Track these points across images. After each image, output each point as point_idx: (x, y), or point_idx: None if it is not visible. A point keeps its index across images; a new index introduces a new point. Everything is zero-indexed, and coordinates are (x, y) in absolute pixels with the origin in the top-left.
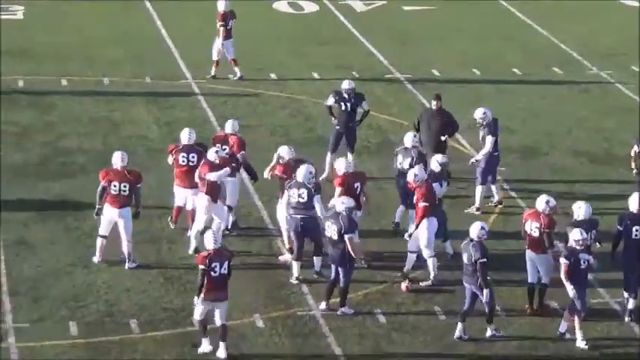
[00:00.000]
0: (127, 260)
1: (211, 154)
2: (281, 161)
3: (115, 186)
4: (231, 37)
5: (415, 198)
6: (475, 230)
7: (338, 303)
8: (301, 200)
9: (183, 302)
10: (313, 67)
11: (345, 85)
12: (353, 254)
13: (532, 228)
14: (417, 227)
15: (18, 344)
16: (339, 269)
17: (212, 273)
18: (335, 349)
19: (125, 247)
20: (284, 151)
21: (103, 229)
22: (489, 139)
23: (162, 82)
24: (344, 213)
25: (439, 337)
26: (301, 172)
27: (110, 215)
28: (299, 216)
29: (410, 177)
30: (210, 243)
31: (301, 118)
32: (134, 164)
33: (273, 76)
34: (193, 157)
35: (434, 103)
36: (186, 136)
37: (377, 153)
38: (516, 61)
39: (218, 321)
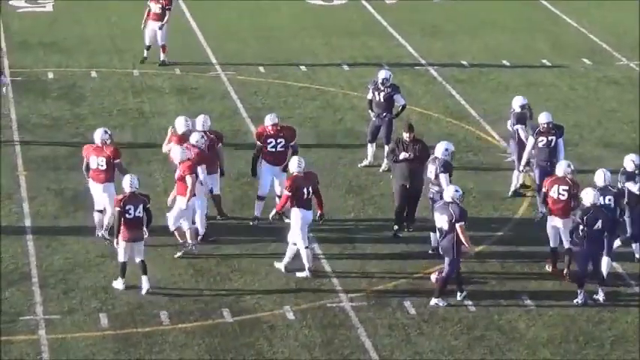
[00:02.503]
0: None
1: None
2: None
3: (92, 161)
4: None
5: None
6: (450, 192)
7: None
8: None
9: (213, 294)
10: (343, 59)
11: (380, 75)
12: (465, 243)
13: (560, 192)
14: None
15: (48, 336)
16: (446, 259)
17: (127, 215)
18: (365, 341)
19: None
20: (179, 123)
21: (98, 204)
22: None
23: (191, 74)
24: (455, 201)
25: (469, 329)
26: None
27: (95, 190)
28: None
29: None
30: (126, 186)
31: (330, 110)
32: (164, 155)
33: (302, 67)
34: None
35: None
36: (200, 122)
37: None
38: (546, 52)
39: (137, 258)
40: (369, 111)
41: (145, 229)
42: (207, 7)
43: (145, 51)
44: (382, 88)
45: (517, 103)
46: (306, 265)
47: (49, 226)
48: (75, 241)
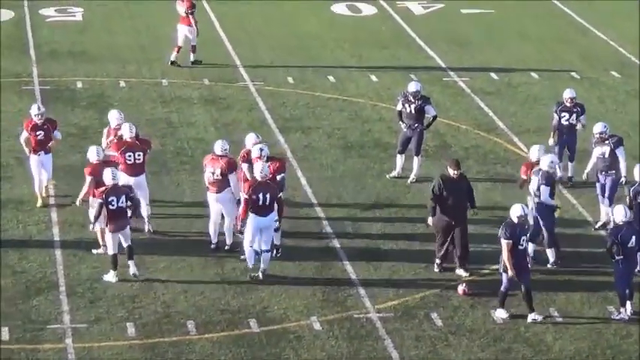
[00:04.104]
0: (147, 223)
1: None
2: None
3: (129, 156)
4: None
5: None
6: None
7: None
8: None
9: (240, 304)
10: (371, 70)
11: (411, 87)
12: (506, 261)
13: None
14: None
15: (75, 345)
16: (523, 276)
17: (110, 206)
18: (392, 352)
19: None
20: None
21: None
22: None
23: (220, 84)
24: (517, 221)
25: (495, 341)
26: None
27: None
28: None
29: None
30: (108, 179)
31: (359, 121)
32: (192, 165)
33: (331, 78)
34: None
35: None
36: (219, 146)
37: (434, 155)
38: (574, 64)
39: (124, 243)
40: (399, 122)
41: (129, 215)
42: (236, 17)
43: (175, 53)
44: (413, 100)
45: (597, 129)
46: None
47: (76, 235)
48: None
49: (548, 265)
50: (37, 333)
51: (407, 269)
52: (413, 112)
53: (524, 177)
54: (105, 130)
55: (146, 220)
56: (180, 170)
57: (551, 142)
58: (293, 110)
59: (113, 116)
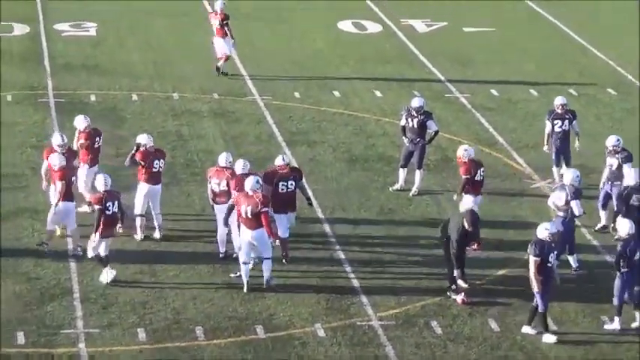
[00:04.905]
0: (158, 229)
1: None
2: (141, 148)
3: (156, 164)
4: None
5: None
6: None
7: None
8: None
9: (247, 311)
10: (376, 86)
11: (414, 103)
12: (532, 277)
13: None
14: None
15: (88, 349)
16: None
17: (106, 212)
18: (392, 359)
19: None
20: (143, 139)
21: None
22: (628, 168)
23: (229, 98)
24: (541, 238)
25: (492, 348)
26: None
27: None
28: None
29: None
30: (101, 185)
31: (363, 135)
32: (202, 176)
33: (336, 93)
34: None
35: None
36: (240, 165)
37: (435, 169)
38: (573, 82)
39: (103, 252)
40: (403, 137)
41: (119, 224)
42: (245, 34)
43: (217, 64)
44: (416, 115)
45: (610, 142)
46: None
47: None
48: (115, 258)
49: (572, 271)
50: (52, 337)
51: (408, 278)
52: (416, 126)
53: (467, 176)
54: (76, 134)
55: (157, 227)
56: (191, 181)
57: (545, 148)
58: (299, 124)
59: (80, 120)
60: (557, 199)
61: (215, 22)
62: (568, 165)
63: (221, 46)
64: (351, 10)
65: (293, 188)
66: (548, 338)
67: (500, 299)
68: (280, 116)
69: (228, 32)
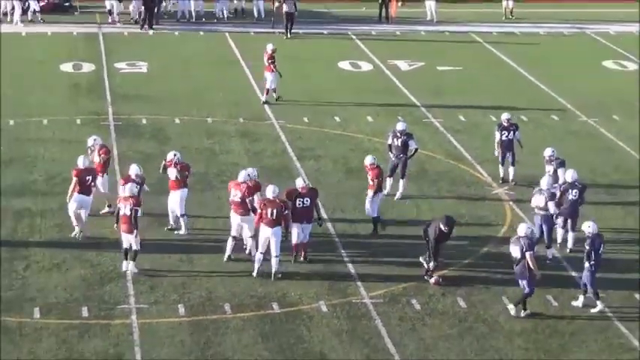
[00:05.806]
0: (184, 228)
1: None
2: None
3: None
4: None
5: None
6: (522, 228)
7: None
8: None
9: (265, 291)
10: (368, 112)
11: (398, 126)
12: (533, 268)
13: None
14: None
15: (139, 321)
16: (524, 282)
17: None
18: (381, 329)
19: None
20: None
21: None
22: (561, 171)
23: (251, 122)
24: (524, 235)
25: (460, 321)
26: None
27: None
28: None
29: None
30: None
31: (358, 152)
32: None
33: (337, 118)
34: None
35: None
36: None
37: (415, 179)
38: (523, 108)
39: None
40: (389, 153)
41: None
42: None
43: (273, 93)
44: (400, 136)
45: (547, 153)
46: (255, 267)
47: (140, 236)
48: (158, 248)
49: (547, 262)
50: (109, 312)
51: (394, 266)
52: (400, 145)
53: (375, 180)
54: (89, 150)
55: (183, 225)
56: (221, 188)
57: (496, 153)
58: (307, 143)
59: (91, 139)
60: (537, 201)
61: (265, 60)
62: (513, 165)
63: (270, 80)
64: (349, 52)
65: (309, 204)
66: (518, 312)
67: (467, 282)
68: (292, 136)
69: (274, 69)
